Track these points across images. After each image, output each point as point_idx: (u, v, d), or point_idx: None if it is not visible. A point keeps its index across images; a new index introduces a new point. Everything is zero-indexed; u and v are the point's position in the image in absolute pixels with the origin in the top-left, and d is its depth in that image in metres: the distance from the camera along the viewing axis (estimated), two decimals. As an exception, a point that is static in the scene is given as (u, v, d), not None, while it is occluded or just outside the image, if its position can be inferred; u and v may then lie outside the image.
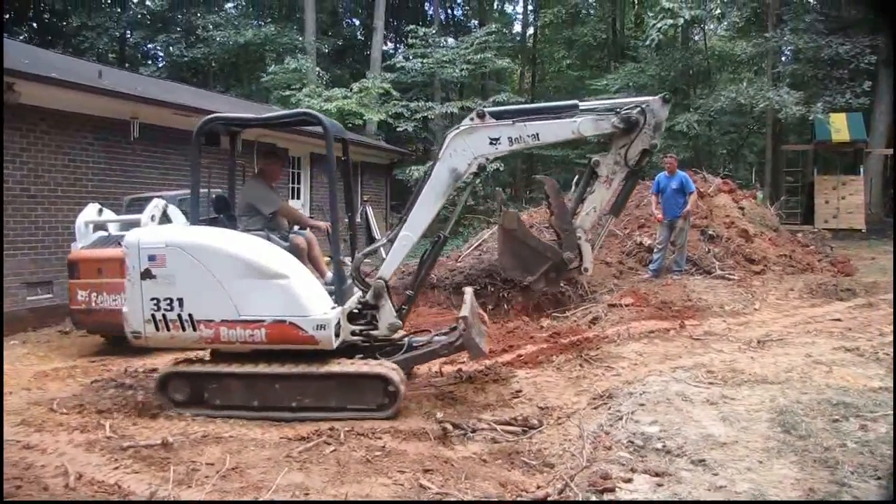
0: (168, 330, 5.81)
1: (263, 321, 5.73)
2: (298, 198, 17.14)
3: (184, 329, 5.80)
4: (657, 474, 4.06)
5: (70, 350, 9.03)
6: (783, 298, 10.21)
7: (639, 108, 6.17)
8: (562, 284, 9.37)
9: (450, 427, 5.44)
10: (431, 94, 25.97)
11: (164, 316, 5.79)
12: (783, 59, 24.90)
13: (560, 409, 5.86)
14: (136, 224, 8.46)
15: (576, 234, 6.35)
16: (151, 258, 5.76)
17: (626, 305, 9.24)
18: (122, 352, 8.40)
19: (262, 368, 5.82)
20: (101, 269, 8.55)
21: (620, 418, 5.18)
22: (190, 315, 5.78)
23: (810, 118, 19.91)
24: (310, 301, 5.83)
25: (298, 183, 17.34)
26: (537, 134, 6.12)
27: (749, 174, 26.47)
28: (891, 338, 7.60)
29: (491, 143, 6.05)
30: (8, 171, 9.75)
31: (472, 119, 6.08)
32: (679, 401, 5.44)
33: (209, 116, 6.46)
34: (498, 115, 6.20)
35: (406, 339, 6.54)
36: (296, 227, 7.13)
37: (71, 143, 10.62)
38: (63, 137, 10.50)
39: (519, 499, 4.23)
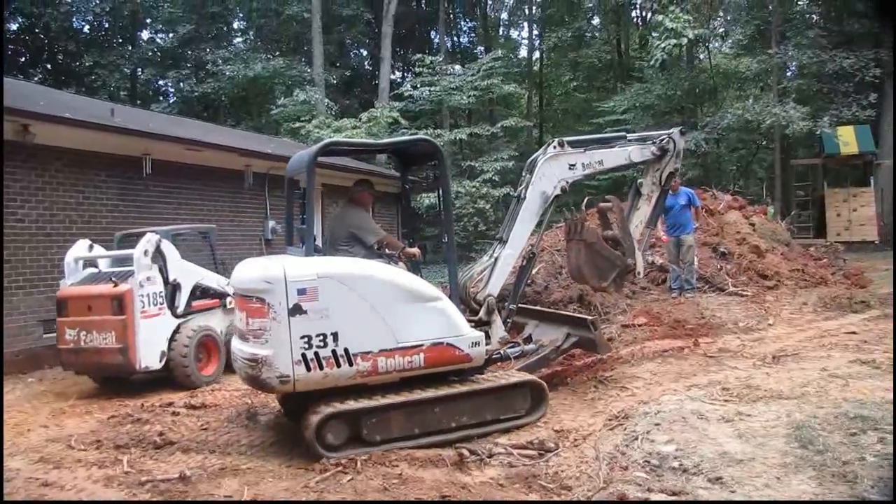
0: (321, 368, 5.37)
1: (422, 345, 5.66)
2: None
3: (339, 365, 5.42)
4: (674, 493, 4.06)
5: (85, 386, 9.04)
6: (797, 313, 10.16)
7: (667, 139, 7.73)
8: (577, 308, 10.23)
9: (466, 452, 5.43)
10: (440, 122, 26.20)
11: (316, 354, 5.34)
12: (788, 74, 24.97)
13: (576, 431, 5.84)
14: (128, 260, 8.29)
15: (635, 244, 7.44)
16: (301, 292, 5.30)
17: (640, 325, 9.23)
18: (139, 388, 8.46)
19: (426, 394, 5.71)
20: (90, 307, 8.19)
21: (636, 438, 5.16)
22: (346, 349, 5.43)
23: (817, 132, 19.92)
24: (461, 321, 5.96)
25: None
26: (602, 160, 7.34)
27: (760, 190, 26.46)
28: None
29: (570, 168, 7.04)
30: (24, 210, 9.91)
31: (554, 147, 7.04)
32: (694, 419, 5.42)
33: (329, 140, 6.52)
34: (571, 144, 7.19)
35: (502, 350, 6.67)
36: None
37: (85, 181, 10.78)
38: (77, 176, 10.66)
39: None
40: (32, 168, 10.02)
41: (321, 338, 5.35)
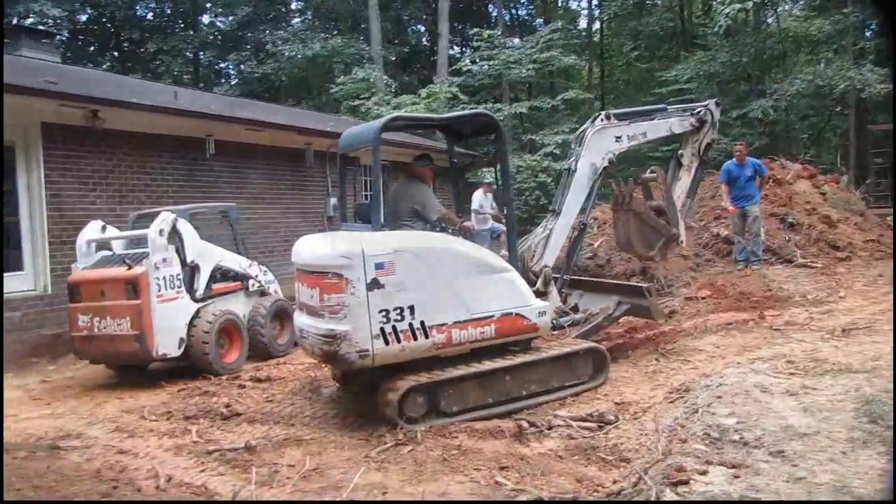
0: (399, 342, 5.46)
1: (493, 316, 5.82)
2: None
3: (415, 338, 5.52)
4: (733, 466, 3.98)
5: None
6: (871, 285, 9.82)
7: (703, 110, 8.09)
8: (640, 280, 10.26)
9: (525, 424, 5.48)
10: (500, 96, 25.99)
11: (393, 328, 5.43)
12: (867, 34, 23.76)
13: (636, 403, 5.84)
14: (143, 241, 7.78)
15: (678, 214, 7.74)
16: (379, 266, 5.37)
17: (703, 298, 9.07)
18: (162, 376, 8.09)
19: (499, 364, 5.87)
20: (103, 292, 7.62)
21: (696, 411, 5.08)
22: (422, 322, 5.53)
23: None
24: (528, 291, 6.14)
25: (368, 190, 17.66)
26: (645, 133, 7.61)
27: (834, 158, 25.46)
28: None
29: (616, 140, 7.25)
30: (95, 192, 10.29)
31: (602, 120, 7.24)
32: (757, 392, 5.31)
33: (394, 115, 6.56)
34: (617, 117, 7.43)
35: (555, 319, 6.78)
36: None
37: (151, 163, 11.10)
38: (144, 158, 10.98)
39: (594, 495, 4.21)
40: (102, 152, 10.37)
41: (398, 311, 5.44)
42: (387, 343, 5.41)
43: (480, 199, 13.65)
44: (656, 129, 7.71)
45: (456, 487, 4.45)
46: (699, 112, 8.02)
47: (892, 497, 3.21)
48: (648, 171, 8.36)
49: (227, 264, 8.76)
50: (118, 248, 8.41)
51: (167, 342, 7.64)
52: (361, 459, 4.97)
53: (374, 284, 5.33)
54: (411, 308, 5.45)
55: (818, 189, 13.92)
